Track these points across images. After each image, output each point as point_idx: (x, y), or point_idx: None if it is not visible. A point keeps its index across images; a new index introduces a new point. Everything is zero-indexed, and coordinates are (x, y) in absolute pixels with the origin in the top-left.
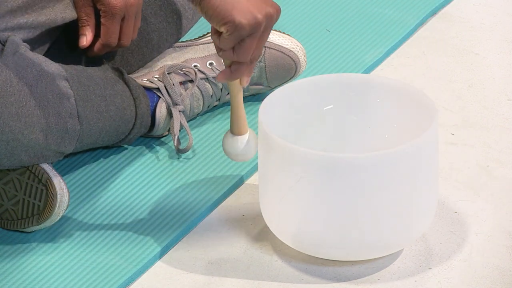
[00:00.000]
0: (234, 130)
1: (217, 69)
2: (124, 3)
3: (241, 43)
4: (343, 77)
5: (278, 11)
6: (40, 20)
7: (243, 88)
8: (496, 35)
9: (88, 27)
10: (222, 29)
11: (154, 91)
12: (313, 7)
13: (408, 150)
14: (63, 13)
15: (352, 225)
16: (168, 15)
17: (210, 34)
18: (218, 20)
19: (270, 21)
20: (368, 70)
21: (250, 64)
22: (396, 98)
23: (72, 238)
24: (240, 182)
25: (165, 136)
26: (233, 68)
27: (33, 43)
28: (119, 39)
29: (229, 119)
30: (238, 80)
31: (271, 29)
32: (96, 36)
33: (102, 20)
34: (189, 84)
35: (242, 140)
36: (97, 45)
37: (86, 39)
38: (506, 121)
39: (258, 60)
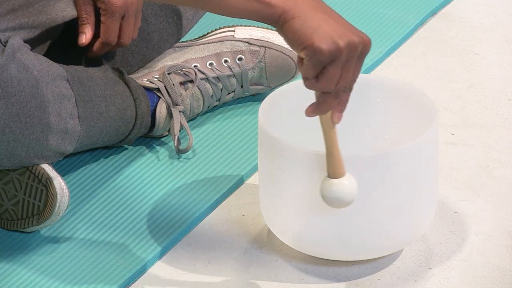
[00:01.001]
0: (330, 173)
1: (217, 69)
2: (124, 2)
3: (323, 71)
4: None
5: (365, 41)
6: (41, 20)
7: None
8: (496, 35)
9: (87, 25)
10: (302, 55)
11: (154, 91)
12: None
13: (408, 150)
14: (63, 11)
15: (352, 225)
16: (169, 16)
17: (210, 35)
18: (298, 45)
19: (353, 49)
20: (368, 70)
21: (337, 96)
22: (396, 98)
23: (72, 238)
24: (240, 182)
25: (165, 136)
26: (320, 99)
27: (34, 43)
28: (119, 38)
29: (229, 119)
30: (329, 117)
31: (358, 60)
32: (96, 35)
33: (102, 18)
34: (189, 85)
35: (338, 184)
36: (97, 44)
37: (85, 37)
38: (506, 121)
39: (344, 90)
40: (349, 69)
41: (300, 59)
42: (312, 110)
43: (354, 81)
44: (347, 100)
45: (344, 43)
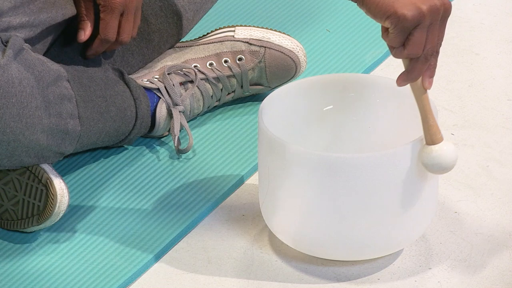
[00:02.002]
0: (427, 140)
1: (217, 69)
2: None
3: (409, 37)
4: (343, 77)
5: (445, 4)
6: (42, 18)
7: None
8: (496, 35)
9: (87, 21)
10: (387, 24)
11: (154, 91)
12: (313, 7)
13: (408, 150)
14: (63, 9)
15: (352, 225)
16: (169, 16)
17: (210, 35)
18: (381, 15)
19: (435, 13)
20: (368, 70)
21: (425, 61)
22: (396, 98)
23: (72, 238)
24: (240, 182)
25: (165, 136)
26: (409, 67)
27: (34, 42)
28: (118, 35)
29: (229, 119)
30: (420, 83)
31: (441, 23)
32: (96, 33)
33: (101, 14)
34: (189, 85)
35: (438, 150)
36: (96, 41)
37: (84, 33)
38: (506, 121)
39: (431, 54)
40: (434, 32)
41: (385, 29)
42: (403, 79)
43: (440, 44)
44: (435, 65)
45: (426, 7)
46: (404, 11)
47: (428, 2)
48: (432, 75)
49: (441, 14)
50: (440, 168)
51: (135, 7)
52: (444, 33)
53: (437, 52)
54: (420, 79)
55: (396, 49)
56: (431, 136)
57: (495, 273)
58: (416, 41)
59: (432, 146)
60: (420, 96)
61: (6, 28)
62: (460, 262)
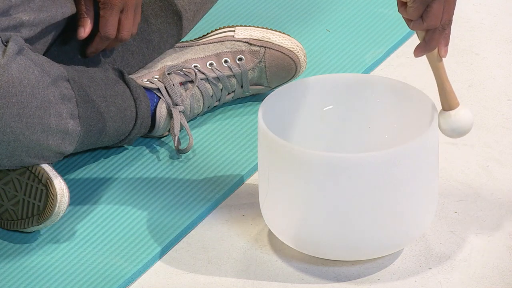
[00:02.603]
0: (445, 106)
1: (217, 69)
2: None
3: (428, 9)
4: (343, 77)
5: None
6: (41, 17)
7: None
8: (496, 35)
9: (86, 18)
10: None
11: (154, 91)
12: (313, 7)
13: (408, 150)
14: (63, 7)
15: (352, 225)
16: (169, 16)
17: (210, 35)
18: None
19: None
20: (368, 70)
21: (443, 30)
22: (396, 98)
23: (72, 238)
24: (240, 182)
25: (165, 136)
26: (427, 38)
27: (34, 42)
28: (118, 32)
29: (229, 119)
30: (436, 53)
31: None
32: (96, 30)
33: (101, 12)
34: (189, 85)
35: (456, 115)
36: (96, 38)
37: (84, 31)
38: (506, 121)
39: (448, 24)
40: (450, 2)
41: (402, 4)
42: (421, 50)
43: (453, 13)
44: (450, 33)
45: None
46: None
47: None
48: (447, 43)
49: None
50: (458, 133)
51: (134, 4)
52: (456, 1)
53: (451, 21)
54: (436, 49)
55: (415, 22)
56: (448, 102)
57: (495, 273)
58: (434, 13)
59: (450, 112)
60: (437, 65)
61: (6, 27)
62: (460, 262)
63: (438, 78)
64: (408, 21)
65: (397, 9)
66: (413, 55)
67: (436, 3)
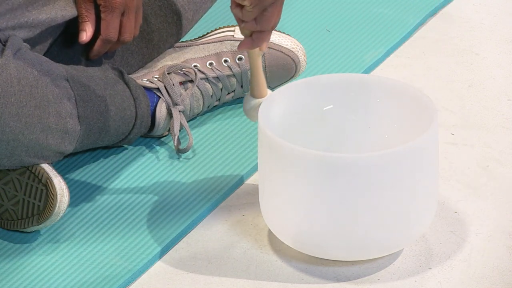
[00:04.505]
0: (255, 93)
1: (217, 69)
2: None
3: (263, 13)
4: (343, 77)
5: None
6: (41, 19)
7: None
8: (496, 35)
9: (88, 22)
10: (246, 3)
11: (154, 91)
12: (313, 7)
13: (408, 150)
14: (63, 10)
15: (352, 225)
16: (168, 16)
17: (210, 34)
18: None
19: None
20: (368, 70)
21: (271, 32)
22: (396, 98)
23: (72, 238)
24: (240, 182)
25: (165, 136)
26: (255, 37)
27: (34, 43)
28: (120, 34)
29: (229, 119)
30: (257, 49)
31: None
32: (97, 33)
33: (102, 15)
34: (189, 84)
35: (262, 102)
36: (98, 42)
37: (86, 35)
38: (506, 121)
39: (276, 25)
40: (282, 6)
41: (237, 5)
42: (247, 47)
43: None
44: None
45: None
46: None
47: None
48: (269, 40)
49: None
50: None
51: (135, 6)
52: (283, 4)
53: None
54: None
55: (248, 23)
56: (259, 89)
57: (495, 273)
58: (269, 16)
59: (259, 99)
60: (256, 58)
61: (5, 28)
62: (460, 262)
63: (254, 69)
64: (240, 21)
65: (230, 7)
66: (413, 57)
67: (271, 7)
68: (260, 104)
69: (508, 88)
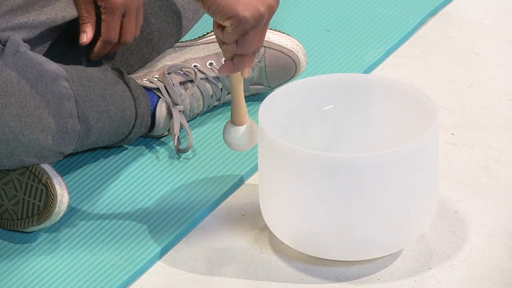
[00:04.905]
0: (235, 120)
1: (217, 69)
2: None
3: (244, 36)
4: (343, 77)
5: (277, 3)
6: (41, 19)
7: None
8: (496, 35)
9: (88, 24)
10: (226, 24)
11: (154, 91)
12: (313, 7)
13: (408, 150)
14: (63, 11)
15: (352, 225)
16: (168, 16)
17: (210, 34)
18: (222, 15)
19: (271, 12)
20: (368, 70)
21: (253, 55)
22: (396, 98)
23: (72, 238)
24: (240, 182)
25: (165, 136)
26: (236, 60)
27: (34, 43)
28: (121, 35)
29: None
30: (239, 72)
31: (270, 20)
32: (98, 35)
33: (102, 16)
34: (189, 84)
35: (243, 130)
36: (98, 43)
37: (86, 36)
38: (506, 121)
39: (258, 50)
40: (265, 30)
41: (219, 26)
42: (228, 71)
43: (263, 41)
44: (256, 57)
45: (264, 8)
46: (245, 13)
47: (266, 3)
48: (251, 66)
49: (274, 11)
50: (244, 147)
51: (136, 7)
52: (266, 30)
53: (261, 45)
54: None
55: (229, 46)
56: (239, 116)
57: (495, 273)
58: (250, 40)
59: (240, 126)
60: (237, 83)
61: (4, 29)
62: (460, 262)
63: (236, 95)
64: (221, 42)
65: (212, 28)
66: (413, 57)
67: (253, 32)
68: (241, 133)
69: (508, 88)
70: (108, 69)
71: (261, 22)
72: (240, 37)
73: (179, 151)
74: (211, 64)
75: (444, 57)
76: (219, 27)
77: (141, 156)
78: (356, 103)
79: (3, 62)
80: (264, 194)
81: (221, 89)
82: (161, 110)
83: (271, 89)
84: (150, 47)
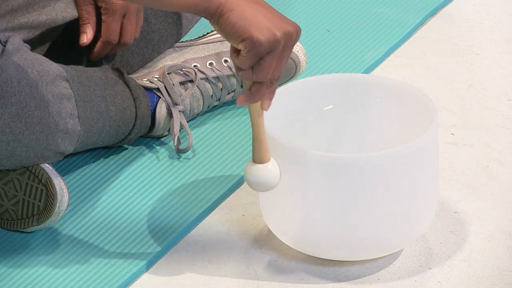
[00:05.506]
0: (255, 158)
1: (217, 69)
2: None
3: (260, 61)
4: (343, 77)
5: (297, 30)
6: (41, 20)
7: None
8: (496, 35)
9: (88, 25)
10: (240, 47)
11: (154, 91)
12: (313, 7)
13: (408, 150)
14: (63, 12)
15: (352, 225)
16: (169, 16)
17: (210, 34)
18: (236, 37)
19: (289, 39)
20: (368, 70)
21: (270, 85)
22: (396, 98)
23: (72, 238)
24: (240, 182)
25: (165, 136)
26: (253, 89)
27: (34, 43)
28: (121, 36)
29: (229, 119)
30: (259, 104)
31: (290, 49)
32: (98, 36)
33: (103, 17)
34: (189, 84)
35: (264, 169)
36: (99, 44)
37: (86, 37)
38: (506, 121)
39: (276, 79)
40: (283, 58)
41: (235, 50)
42: (245, 100)
43: (283, 70)
44: (276, 88)
45: (281, 33)
46: (259, 36)
47: (283, 28)
48: (272, 98)
49: (293, 40)
50: (263, 186)
51: (136, 8)
52: (288, 59)
53: (280, 76)
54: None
55: (245, 72)
56: (260, 155)
57: (495, 273)
58: (266, 66)
59: (260, 165)
60: (257, 117)
61: (4, 29)
62: (460, 262)
63: (256, 130)
64: (238, 69)
65: (230, 55)
66: (413, 57)
67: (269, 57)
68: (261, 171)
69: (508, 88)
70: (108, 69)
71: (276, 47)
72: (256, 63)
73: (179, 151)
74: (211, 64)
75: (444, 57)
76: (235, 51)
77: (141, 156)
78: (356, 103)
79: (3, 62)
80: (264, 194)
81: (221, 89)
82: (161, 110)
83: None
84: (150, 47)
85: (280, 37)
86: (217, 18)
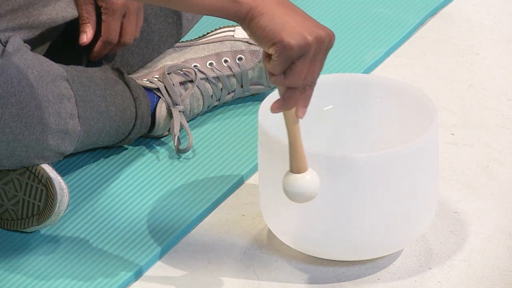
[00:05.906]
0: (292, 167)
1: (217, 69)
2: (125, 0)
3: (291, 66)
4: (343, 77)
5: (330, 36)
6: (41, 20)
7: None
8: (496, 35)
9: (88, 24)
10: (271, 51)
11: (154, 91)
12: (313, 7)
13: (408, 150)
14: (64, 11)
15: (352, 225)
16: (169, 16)
17: (210, 34)
18: (267, 41)
19: (320, 44)
20: (368, 70)
21: (304, 91)
22: (396, 98)
23: (72, 238)
24: (240, 182)
25: (165, 136)
26: (286, 95)
27: (34, 43)
28: (121, 36)
29: (229, 119)
30: (293, 111)
31: (324, 55)
32: (98, 35)
33: (103, 17)
34: (189, 84)
35: (302, 179)
36: (99, 43)
37: (86, 36)
38: (506, 121)
39: (310, 85)
40: (316, 63)
41: (267, 55)
42: (278, 107)
43: (319, 75)
44: (311, 95)
45: (312, 38)
46: (290, 40)
47: (314, 33)
48: (306, 105)
49: (326, 45)
50: (302, 197)
51: (136, 8)
52: (323, 64)
53: (315, 83)
54: (293, 108)
55: (276, 77)
56: (297, 164)
57: (495, 273)
58: (297, 71)
59: (297, 175)
60: (292, 125)
61: (5, 29)
62: (460, 262)
63: (292, 139)
64: (270, 74)
65: (262, 60)
66: (413, 57)
67: (300, 62)
68: (299, 182)
69: (508, 88)
70: (108, 69)
71: (307, 51)
72: (287, 68)
73: (179, 151)
74: (211, 64)
75: (444, 57)
76: (267, 57)
77: (141, 156)
78: (356, 103)
79: (3, 62)
80: (264, 194)
81: (221, 89)
82: (161, 110)
83: (271, 89)
84: (150, 47)
85: (311, 41)
86: (248, 22)
